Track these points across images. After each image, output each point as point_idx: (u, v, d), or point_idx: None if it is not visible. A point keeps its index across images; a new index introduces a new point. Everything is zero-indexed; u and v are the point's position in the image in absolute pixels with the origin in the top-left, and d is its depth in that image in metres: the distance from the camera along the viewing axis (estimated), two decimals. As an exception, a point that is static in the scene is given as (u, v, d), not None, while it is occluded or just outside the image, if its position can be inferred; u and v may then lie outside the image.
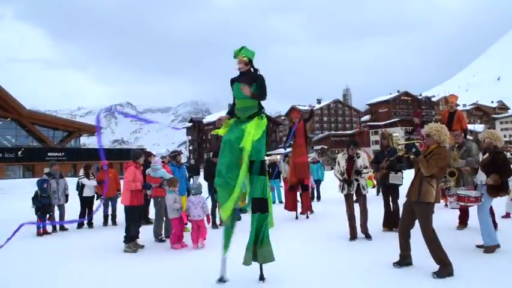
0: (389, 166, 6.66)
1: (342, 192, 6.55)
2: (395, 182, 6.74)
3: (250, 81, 4.41)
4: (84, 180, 9.17)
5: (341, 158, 6.59)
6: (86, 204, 9.24)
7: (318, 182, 12.69)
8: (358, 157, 6.42)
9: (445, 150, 4.61)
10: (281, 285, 4.34)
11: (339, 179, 6.58)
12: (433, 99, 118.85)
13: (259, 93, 4.41)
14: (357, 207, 6.46)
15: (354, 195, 6.52)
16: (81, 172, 9.39)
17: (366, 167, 6.43)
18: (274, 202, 12.27)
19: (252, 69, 4.53)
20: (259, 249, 4.29)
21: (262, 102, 4.55)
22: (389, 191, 6.93)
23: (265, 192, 4.38)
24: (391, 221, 6.95)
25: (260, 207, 4.33)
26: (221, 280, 4.41)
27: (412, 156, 4.72)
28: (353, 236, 6.44)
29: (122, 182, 9.63)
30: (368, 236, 6.34)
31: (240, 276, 4.50)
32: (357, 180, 6.37)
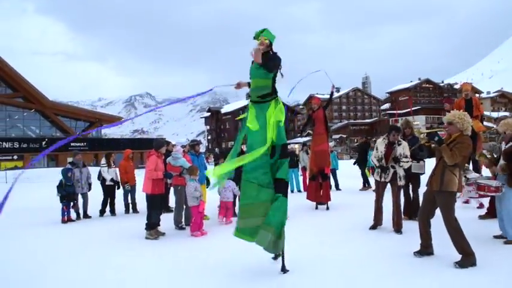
0: (411, 155, 6.54)
1: (378, 178, 6.30)
2: (417, 171, 6.63)
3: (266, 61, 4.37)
4: (103, 170, 9.39)
5: (380, 143, 6.29)
6: (109, 192, 9.45)
7: (333, 171, 12.60)
8: (399, 144, 6.08)
9: (469, 138, 4.50)
10: (299, 275, 4.37)
11: (375, 165, 6.34)
12: (456, 87, 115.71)
13: (268, 61, 4.30)
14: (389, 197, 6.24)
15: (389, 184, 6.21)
16: (103, 161, 9.58)
17: (405, 156, 6.03)
18: (292, 191, 12.29)
19: (271, 52, 4.46)
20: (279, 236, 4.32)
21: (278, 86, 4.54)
22: (410, 179, 6.82)
23: (288, 175, 4.51)
24: (411, 210, 6.88)
25: (285, 188, 4.42)
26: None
27: (434, 145, 4.64)
28: (375, 225, 6.37)
29: (136, 171, 9.87)
30: (398, 231, 6.04)
31: (258, 267, 4.56)
32: (393, 167, 6.08)
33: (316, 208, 8.80)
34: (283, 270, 4.41)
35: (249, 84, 4.65)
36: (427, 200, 4.73)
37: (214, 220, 7.72)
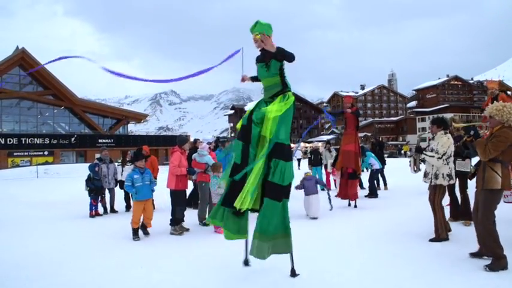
0: (456, 153, 6.18)
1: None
2: (462, 169, 6.24)
3: (268, 58, 4.21)
4: (118, 167, 9.59)
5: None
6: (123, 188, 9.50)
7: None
8: (433, 138, 5.64)
9: (507, 131, 4.20)
10: (324, 274, 4.34)
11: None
12: (485, 85, 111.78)
13: (283, 55, 4.09)
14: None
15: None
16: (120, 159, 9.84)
17: (436, 152, 5.42)
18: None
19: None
20: (267, 241, 3.96)
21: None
22: (457, 178, 6.55)
23: (285, 178, 4.03)
24: (457, 211, 6.62)
25: (271, 192, 4.00)
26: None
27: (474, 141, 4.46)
28: (437, 237, 5.54)
29: (160, 167, 9.88)
30: (436, 240, 5.44)
31: (282, 266, 4.55)
32: (414, 158, 5.64)
33: (349, 205, 8.86)
34: (293, 274, 4.21)
35: (251, 79, 4.61)
36: (477, 200, 4.50)
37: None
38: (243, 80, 4.62)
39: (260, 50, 4.33)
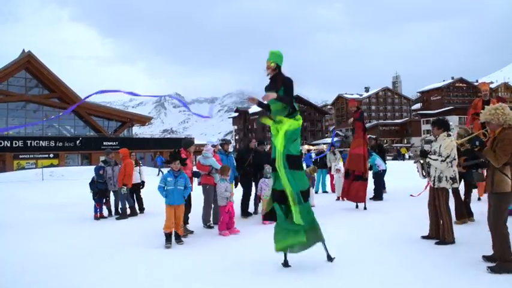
0: (475, 164, 6.12)
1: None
2: (478, 180, 5.82)
3: (278, 86, 4.52)
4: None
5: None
6: (133, 190, 9.37)
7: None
8: (436, 140, 5.49)
9: (510, 133, 4.12)
10: (331, 275, 4.32)
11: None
12: (491, 86, 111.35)
13: (283, 96, 4.50)
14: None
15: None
16: None
17: (440, 155, 5.29)
18: (316, 192, 12.14)
19: (280, 75, 4.62)
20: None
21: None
22: (464, 182, 6.61)
23: (300, 185, 4.56)
24: (461, 212, 6.60)
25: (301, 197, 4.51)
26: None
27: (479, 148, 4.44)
28: (429, 235, 5.71)
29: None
30: (442, 243, 5.36)
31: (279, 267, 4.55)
32: (421, 162, 5.60)
33: (357, 207, 8.85)
34: (285, 265, 4.57)
35: (259, 103, 4.77)
36: (489, 204, 4.44)
37: (250, 219, 7.92)
38: (252, 100, 4.81)
39: (270, 78, 4.68)
